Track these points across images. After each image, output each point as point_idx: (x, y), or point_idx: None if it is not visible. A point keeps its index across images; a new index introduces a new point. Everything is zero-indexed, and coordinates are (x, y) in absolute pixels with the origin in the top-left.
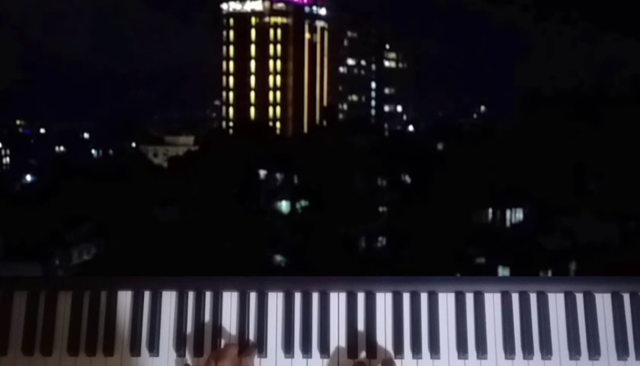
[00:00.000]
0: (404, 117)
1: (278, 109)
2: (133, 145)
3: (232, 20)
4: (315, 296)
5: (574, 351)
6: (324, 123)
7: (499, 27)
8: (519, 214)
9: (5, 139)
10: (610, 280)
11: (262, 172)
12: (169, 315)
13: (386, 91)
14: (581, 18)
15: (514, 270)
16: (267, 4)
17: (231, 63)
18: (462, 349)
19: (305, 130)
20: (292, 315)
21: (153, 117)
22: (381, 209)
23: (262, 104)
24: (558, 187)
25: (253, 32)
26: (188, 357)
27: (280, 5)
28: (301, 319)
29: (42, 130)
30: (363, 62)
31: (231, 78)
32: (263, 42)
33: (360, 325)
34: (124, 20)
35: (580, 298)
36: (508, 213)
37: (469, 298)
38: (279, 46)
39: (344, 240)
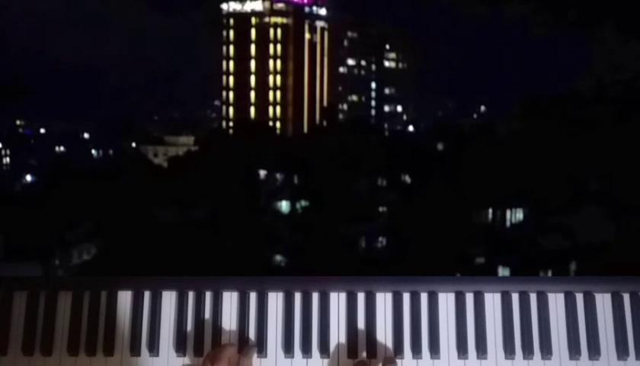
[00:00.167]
0: (404, 117)
1: (278, 109)
2: (133, 145)
3: (231, 20)
4: (315, 296)
5: (574, 351)
6: (324, 123)
7: (499, 27)
8: (519, 214)
9: (5, 139)
10: (610, 280)
11: (262, 172)
12: (169, 315)
13: (386, 91)
14: (581, 18)
15: (514, 270)
16: (267, 4)
17: (231, 63)
18: (462, 349)
19: (305, 129)
20: (292, 315)
21: (153, 117)
22: (381, 209)
23: (262, 103)
24: (558, 187)
25: (253, 32)
26: (188, 358)
27: (280, 5)
28: (301, 319)
29: (42, 130)
30: (363, 62)
31: (231, 78)
32: (263, 42)
33: (360, 325)
34: (124, 20)
35: (580, 298)
36: (508, 213)
37: (469, 298)
38: (279, 46)
39: (344, 240)
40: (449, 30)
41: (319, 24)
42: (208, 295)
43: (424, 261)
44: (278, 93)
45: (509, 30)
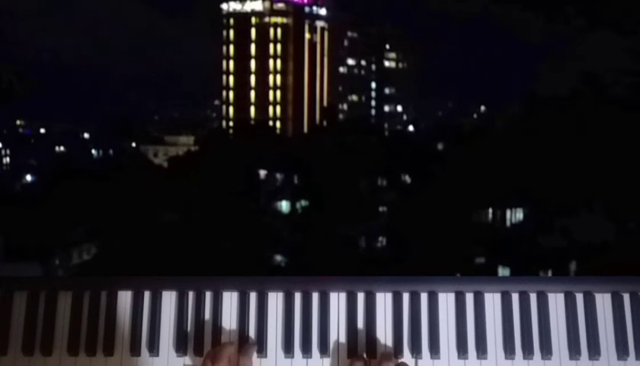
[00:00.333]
0: (404, 117)
1: (278, 108)
2: (133, 145)
3: (231, 20)
4: (315, 296)
5: (574, 351)
6: (324, 123)
7: (499, 27)
8: (519, 214)
9: (5, 139)
10: (610, 280)
11: (262, 172)
12: (169, 315)
13: (386, 91)
14: (581, 18)
15: (514, 270)
16: (267, 4)
17: (231, 63)
18: (462, 349)
19: (305, 129)
20: (292, 315)
21: (153, 117)
22: (381, 209)
23: (262, 103)
24: (558, 187)
25: (253, 32)
26: (188, 357)
27: (280, 5)
28: (301, 319)
29: (42, 130)
30: (363, 62)
31: (231, 78)
32: (263, 41)
33: (360, 325)
34: (124, 19)
35: (580, 298)
36: (508, 213)
37: (469, 298)
38: (279, 46)
39: (344, 240)
40: (449, 30)
41: (319, 23)
42: (208, 295)
43: (424, 261)
44: (278, 93)
45: (509, 30)
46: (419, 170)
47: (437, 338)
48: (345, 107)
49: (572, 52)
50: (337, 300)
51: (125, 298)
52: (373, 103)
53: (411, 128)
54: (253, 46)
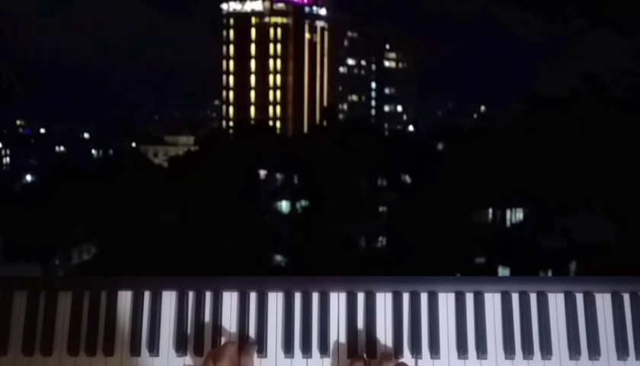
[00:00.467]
0: (404, 117)
1: (278, 108)
2: (133, 145)
3: (231, 20)
4: (315, 296)
5: (574, 351)
6: (324, 123)
7: (499, 27)
8: (519, 214)
9: (5, 139)
10: (610, 280)
11: (262, 172)
12: (169, 315)
13: (386, 91)
14: (581, 18)
15: (514, 270)
16: (267, 4)
17: (231, 63)
18: (462, 349)
19: (305, 129)
20: (292, 315)
21: (153, 117)
22: (381, 209)
23: (262, 103)
24: (558, 187)
25: (253, 32)
26: (188, 357)
27: (280, 5)
28: (301, 319)
29: (42, 130)
30: (363, 62)
31: (231, 78)
32: (263, 41)
33: (360, 325)
34: (124, 19)
35: (580, 298)
36: (508, 213)
37: (469, 298)
38: (279, 46)
39: (344, 240)
40: (449, 30)
41: (319, 23)
42: (208, 295)
43: (423, 261)
44: (278, 93)
45: (509, 30)
46: (419, 170)
47: (437, 338)
48: (345, 107)
49: (572, 52)
50: (337, 300)
51: (125, 298)
52: (373, 103)
53: (411, 128)
54: (253, 46)
